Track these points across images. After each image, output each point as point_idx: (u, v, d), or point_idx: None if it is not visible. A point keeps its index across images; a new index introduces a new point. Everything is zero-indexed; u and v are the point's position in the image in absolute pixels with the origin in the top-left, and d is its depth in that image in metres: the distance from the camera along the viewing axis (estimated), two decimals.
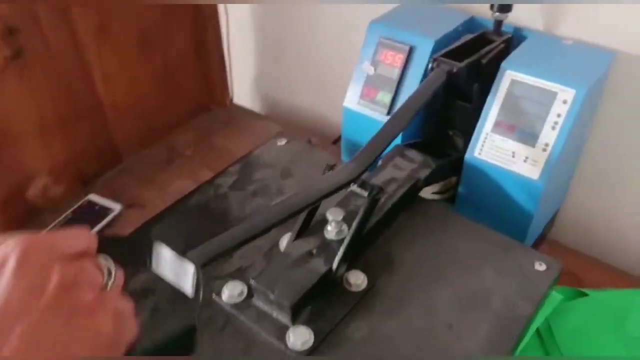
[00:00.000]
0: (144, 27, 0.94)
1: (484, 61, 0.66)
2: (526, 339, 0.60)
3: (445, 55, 0.66)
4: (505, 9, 0.69)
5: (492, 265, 0.57)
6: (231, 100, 1.15)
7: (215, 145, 1.04)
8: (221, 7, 1.04)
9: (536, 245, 0.77)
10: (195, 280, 0.39)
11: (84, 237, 0.34)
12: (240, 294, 0.54)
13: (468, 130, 0.73)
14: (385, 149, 0.56)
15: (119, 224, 0.88)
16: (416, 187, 0.64)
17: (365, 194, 0.54)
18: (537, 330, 0.66)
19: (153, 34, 0.96)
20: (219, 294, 0.54)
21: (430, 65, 0.65)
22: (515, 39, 0.72)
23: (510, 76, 0.65)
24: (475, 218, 0.67)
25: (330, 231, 0.57)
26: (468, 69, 0.64)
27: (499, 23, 0.71)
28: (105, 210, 0.89)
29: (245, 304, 0.54)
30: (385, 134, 0.56)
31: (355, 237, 0.54)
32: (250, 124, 1.10)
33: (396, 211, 0.62)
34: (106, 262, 0.35)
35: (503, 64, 0.65)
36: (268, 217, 0.45)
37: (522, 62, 0.65)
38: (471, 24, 0.76)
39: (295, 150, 0.74)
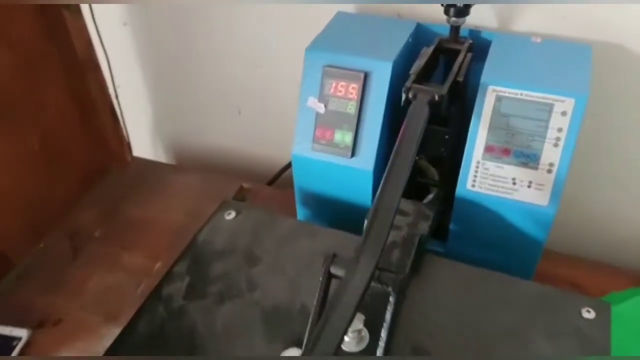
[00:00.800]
0: (4, 96, 0.72)
1: (460, 79, 0.56)
2: None
3: (416, 80, 0.55)
4: (462, 13, 0.59)
5: (538, 327, 0.48)
6: (132, 155, 0.96)
7: (127, 217, 0.85)
8: (100, 51, 0.84)
9: None
10: None
11: None
12: None
13: (441, 156, 0.63)
14: (393, 222, 0.43)
15: (32, 352, 0.68)
16: (422, 247, 0.53)
17: (390, 289, 0.42)
18: None
19: (19, 101, 0.75)
20: None
21: (404, 97, 0.53)
22: (475, 43, 0.62)
23: (494, 92, 0.55)
24: (473, 256, 0.57)
25: (350, 342, 0.44)
26: (449, 93, 0.53)
27: (456, 29, 0.61)
28: (8, 342, 0.68)
29: None
30: (387, 203, 0.44)
31: (388, 346, 0.42)
32: (162, 179, 0.92)
33: (407, 283, 0.50)
34: None
35: (483, 79, 0.55)
36: None
37: (502, 74, 0.56)
38: (419, 32, 0.65)
39: (251, 224, 0.60)
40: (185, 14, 0.83)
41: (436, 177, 0.70)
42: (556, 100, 0.53)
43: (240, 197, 0.86)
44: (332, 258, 0.44)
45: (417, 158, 0.68)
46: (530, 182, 0.55)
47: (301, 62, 0.62)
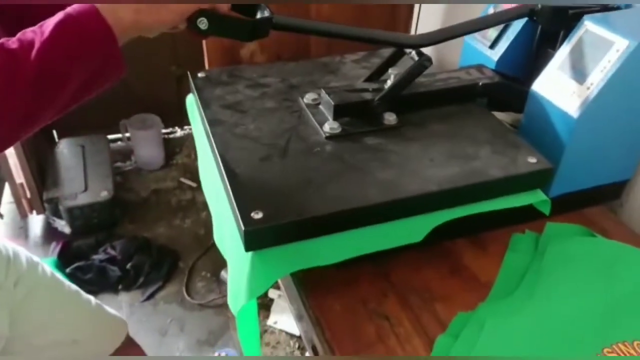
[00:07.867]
0: None
1: (571, 11, 0.79)
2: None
3: None
4: None
5: (492, 146, 0.73)
6: None
7: None
8: None
9: (567, 209, 0.81)
10: None
11: None
12: (315, 99, 0.80)
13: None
14: (453, 37, 0.75)
15: None
16: (473, 89, 0.81)
17: (417, 58, 0.75)
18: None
19: None
20: (303, 97, 0.81)
21: None
22: None
23: (585, 27, 0.77)
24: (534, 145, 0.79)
25: (386, 81, 0.79)
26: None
27: None
28: None
29: (314, 103, 0.80)
30: (460, 27, 0.76)
31: (396, 86, 0.76)
32: None
33: (444, 96, 0.80)
34: None
35: (586, 18, 0.77)
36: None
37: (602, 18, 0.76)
38: None
39: None
40: None
41: None
42: (616, 39, 0.72)
43: None
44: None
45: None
46: (572, 93, 0.76)
47: None
